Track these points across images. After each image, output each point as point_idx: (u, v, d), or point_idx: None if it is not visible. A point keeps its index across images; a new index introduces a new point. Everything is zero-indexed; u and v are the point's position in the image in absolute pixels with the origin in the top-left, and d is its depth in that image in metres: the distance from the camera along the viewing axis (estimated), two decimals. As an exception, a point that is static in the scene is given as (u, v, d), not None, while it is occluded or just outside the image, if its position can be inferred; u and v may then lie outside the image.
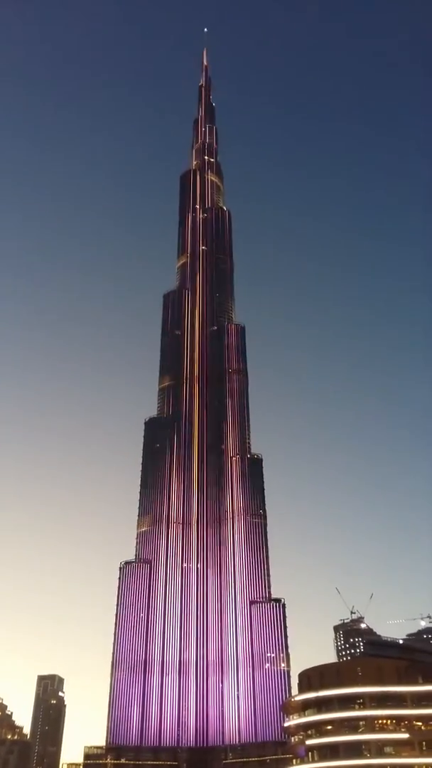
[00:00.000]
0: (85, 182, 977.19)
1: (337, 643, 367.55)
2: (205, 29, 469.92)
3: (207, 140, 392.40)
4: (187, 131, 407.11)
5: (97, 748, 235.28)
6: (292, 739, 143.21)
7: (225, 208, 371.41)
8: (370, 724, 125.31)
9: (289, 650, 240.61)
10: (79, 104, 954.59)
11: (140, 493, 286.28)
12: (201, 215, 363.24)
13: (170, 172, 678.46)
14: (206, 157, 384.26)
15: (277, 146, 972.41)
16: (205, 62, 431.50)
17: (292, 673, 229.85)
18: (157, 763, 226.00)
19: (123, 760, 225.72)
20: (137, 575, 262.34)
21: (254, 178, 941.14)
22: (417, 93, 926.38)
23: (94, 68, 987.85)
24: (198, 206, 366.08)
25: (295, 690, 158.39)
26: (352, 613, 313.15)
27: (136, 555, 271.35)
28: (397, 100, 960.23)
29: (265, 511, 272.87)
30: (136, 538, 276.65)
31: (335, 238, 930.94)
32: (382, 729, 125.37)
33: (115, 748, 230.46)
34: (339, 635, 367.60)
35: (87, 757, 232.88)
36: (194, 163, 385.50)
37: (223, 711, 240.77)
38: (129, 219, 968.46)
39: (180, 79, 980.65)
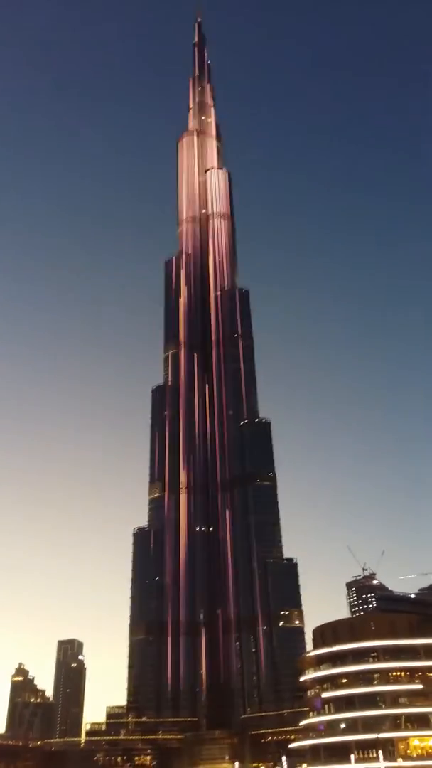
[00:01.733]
0: (82, 151, 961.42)
1: (350, 599, 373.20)
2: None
3: (203, 100, 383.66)
4: (185, 92, 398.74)
5: (119, 707, 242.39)
6: (309, 692, 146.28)
7: (225, 170, 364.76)
8: (384, 677, 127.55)
9: (303, 608, 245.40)
10: (73, 71, 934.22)
11: (150, 460, 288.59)
12: (199, 178, 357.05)
13: (168, 133, 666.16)
14: (203, 118, 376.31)
15: (277, 105, 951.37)
16: (198, 19, 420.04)
17: (306, 630, 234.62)
18: (178, 719, 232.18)
19: (144, 718, 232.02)
20: (151, 540, 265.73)
21: (254, 139, 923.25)
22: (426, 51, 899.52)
23: (86, 34, 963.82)
24: (196, 169, 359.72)
25: (309, 646, 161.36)
26: (364, 569, 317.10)
27: (149, 520, 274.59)
28: (405, 71, 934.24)
29: (274, 473, 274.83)
30: (149, 504, 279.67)
31: (342, 201, 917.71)
32: (396, 681, 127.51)
33: (135, 706, 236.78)
34: (352, 592, 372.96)
35: (109, 716, 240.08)
36: (191, 123, 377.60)
37: (240, 667, 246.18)
38: (128, 185, 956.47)
39: (176, 39, 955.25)
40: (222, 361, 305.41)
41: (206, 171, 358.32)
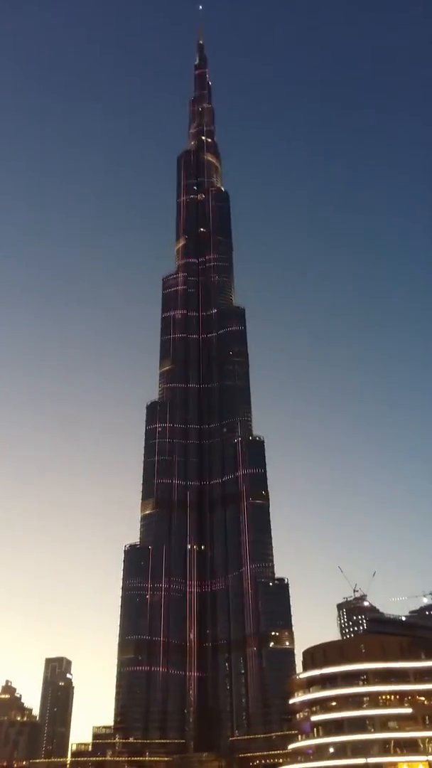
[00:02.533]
0: (83, 164, 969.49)
1: (340, 621, 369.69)
2: (200, 6, 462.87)
3: (203, 120, 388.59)
4: (184, 112, 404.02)
5: (106, 728, 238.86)
6: (298, 715, 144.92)
7: (223, 189, 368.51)
8: (374, 700, 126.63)
9: (293, 629, 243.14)
10: (75, 86, 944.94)
11: (143, 476, 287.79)
12: (199, 197, 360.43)
13: (168, 153, 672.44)
14: (203, 138, 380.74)
15: (276, 126, 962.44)
16: (200, 41, 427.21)
17: (296, 651, 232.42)
18: (165, 741, 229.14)
19: (131, 739, 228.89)
20: (142, 558, 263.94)
21: (252, 157, 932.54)
22: (418, 72, 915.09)
23: (87, 50, 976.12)
24: (196, 187, 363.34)
25: (299, 668, 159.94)
26: (355, 591, 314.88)
27: (140, 538, 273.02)
28: (401, 80, 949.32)
29: (267, 492, 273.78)
30: (140, 521, 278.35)
31: (336, 218, 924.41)
32: (386, 704, 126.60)
33: (122, 727, 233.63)
34: (342, 613, 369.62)
35: (96, 736, 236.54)
36: (191, 143, 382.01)
37: (229, 689, 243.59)
38: (127, 200, 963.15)
39: (176, 59, 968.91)
40: (217, 379, 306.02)
41: (205, 189, 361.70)
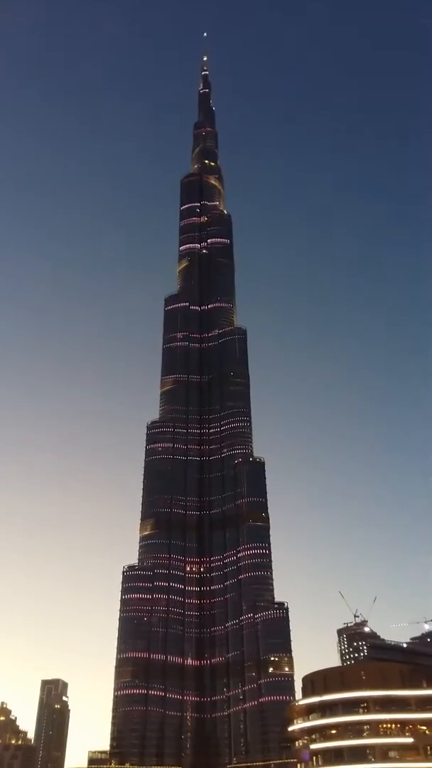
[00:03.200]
0: (86, 187, 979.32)
1: (340, 647, 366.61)
2: (205, 34, 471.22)
3: (207, 144, 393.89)
4: (188, 136, 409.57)
5: (102, 752, 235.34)
6: (297, 743, 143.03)
7: (226, 212, 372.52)
8: (375, 729, 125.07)
9: (293, 654, 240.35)
10: (79, 108, 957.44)
11: (142, 497, 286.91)
12: (201, 219, 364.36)
13: (171, 176, 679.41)
14: (207, 161, 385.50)
15: (278, 149, 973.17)
16: (204, 66, 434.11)
17: (295, 677, 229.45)
18: (162, 767, 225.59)
19: (127, 765, 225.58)
20: (140, 579, 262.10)
21: (255, 181, 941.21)
22: (420, 92, 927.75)
23: (94, 73, 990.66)
24: (199, 210, 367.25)
25: (298, 694, 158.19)
26: (355, 616, 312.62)
27: (139, 559, 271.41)
28: (401, 102, 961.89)
29: (268, 514, 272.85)
30: (139, 542, 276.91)
31: (337, 242, 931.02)
32: (387, 733, 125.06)
33: (119, 752, 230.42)
34: (342, 639, 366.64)
35: (91, 761, 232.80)
36: (195, 167, 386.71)
37: (226, 715, 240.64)
38: (130, 223, 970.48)
39: (180, 84, 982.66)
40: (218, 400, 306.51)
41: (207, 212, 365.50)
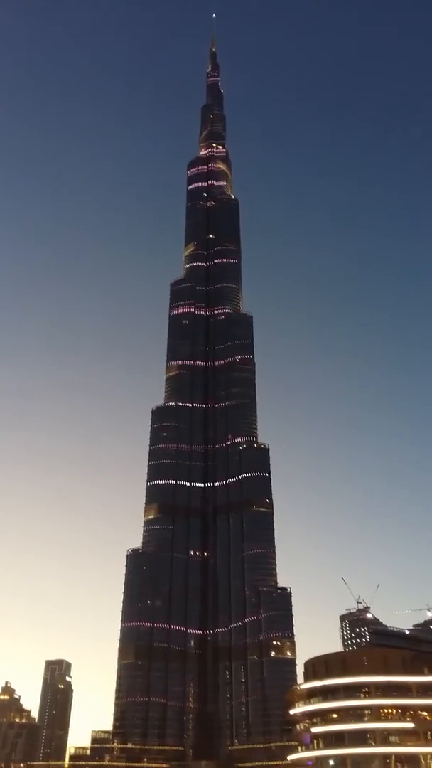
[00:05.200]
0: (92, 169, 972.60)
1: (343, 632, 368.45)
2: (213, 15, 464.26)
3: (214, 127, 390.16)
4: (196, 119, 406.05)
5: (104, 732, 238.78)
6: (298, 726, 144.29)
7: (233, 197, 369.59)
8: (376, 713, 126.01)
9: (295, 639, 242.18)
10: (86, 90, 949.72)
11: (147, 481, 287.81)
12: (208, 204, 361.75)
13: (178, 160, 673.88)
14: (214, 145, 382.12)
15: (286, 135, 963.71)
16: (213, 49, 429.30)
17: (297, 662, 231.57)
18: (163, 747, 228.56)
19: (129, 745, 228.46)
20: (144, 563, 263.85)
21: (263, 166, 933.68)
22: (430, 78, 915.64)
23: (101, 57, 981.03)
24: (205, 195, 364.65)
25: (300, 679, 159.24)
26: (358, 603, 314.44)
27: (143, 543, 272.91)
28: (411, 88, 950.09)
29: (271, 500, 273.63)
30: (143, 526, 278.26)
31: (344, 229, 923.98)
32: (388, 718, 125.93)
33: (121, 732, 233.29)
34: (345, 625, 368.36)
35: (94, 741, 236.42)
36: (202, 150, 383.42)
37: (229, 697, 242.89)
38: (136, 206, 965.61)
39: (188, 66, 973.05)
40: (223, 386, 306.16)
41: (215, 197, 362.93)
